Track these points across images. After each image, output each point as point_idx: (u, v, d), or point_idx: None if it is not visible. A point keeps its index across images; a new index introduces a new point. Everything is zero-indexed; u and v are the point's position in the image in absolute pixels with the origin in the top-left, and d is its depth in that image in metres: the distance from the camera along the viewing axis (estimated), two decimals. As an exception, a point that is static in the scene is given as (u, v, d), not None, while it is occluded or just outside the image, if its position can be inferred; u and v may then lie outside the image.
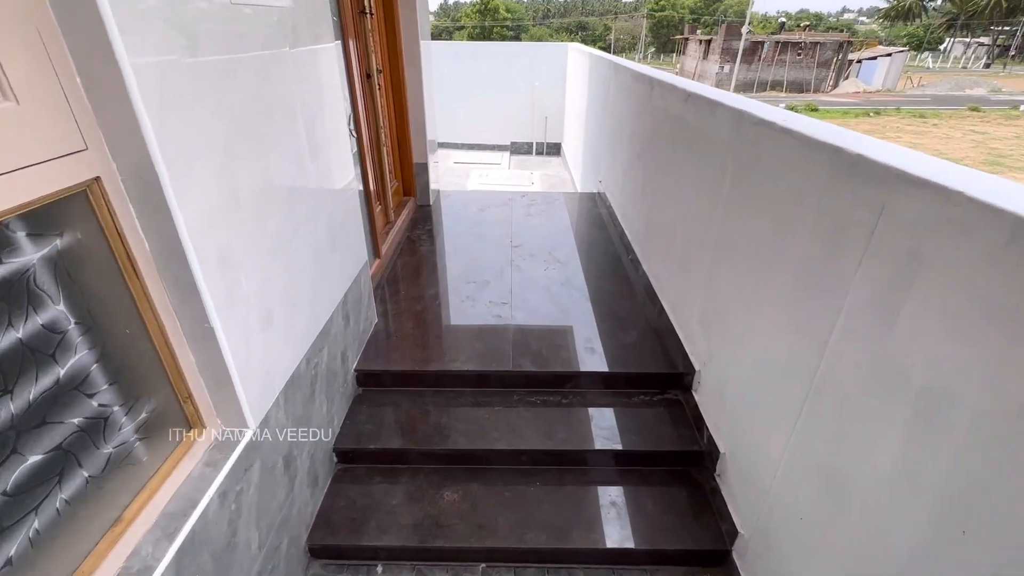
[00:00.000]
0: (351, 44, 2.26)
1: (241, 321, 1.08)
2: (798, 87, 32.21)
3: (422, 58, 3.17)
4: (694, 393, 1.80)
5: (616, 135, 3.28)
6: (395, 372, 1.94)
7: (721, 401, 1.57)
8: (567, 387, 1.94)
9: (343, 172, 1.76)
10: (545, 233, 3.22)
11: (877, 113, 22.10)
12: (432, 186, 3.67)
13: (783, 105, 24.42)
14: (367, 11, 2.52)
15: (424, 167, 3.52)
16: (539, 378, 1.93)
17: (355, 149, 2.25)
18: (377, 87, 2.72)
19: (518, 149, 7.28)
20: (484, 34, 63.51)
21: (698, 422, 1.73)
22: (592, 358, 2.01)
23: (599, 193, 3.91)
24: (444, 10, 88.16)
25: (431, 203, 3.67)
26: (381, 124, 2.80)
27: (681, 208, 1.96)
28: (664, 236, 2.22)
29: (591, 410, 1.85)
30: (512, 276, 2.62)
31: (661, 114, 2.28)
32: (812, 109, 22.73)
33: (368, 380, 1.95)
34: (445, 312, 2.32)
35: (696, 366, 1.79)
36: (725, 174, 1.52)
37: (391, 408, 1.87)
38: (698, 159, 1.78)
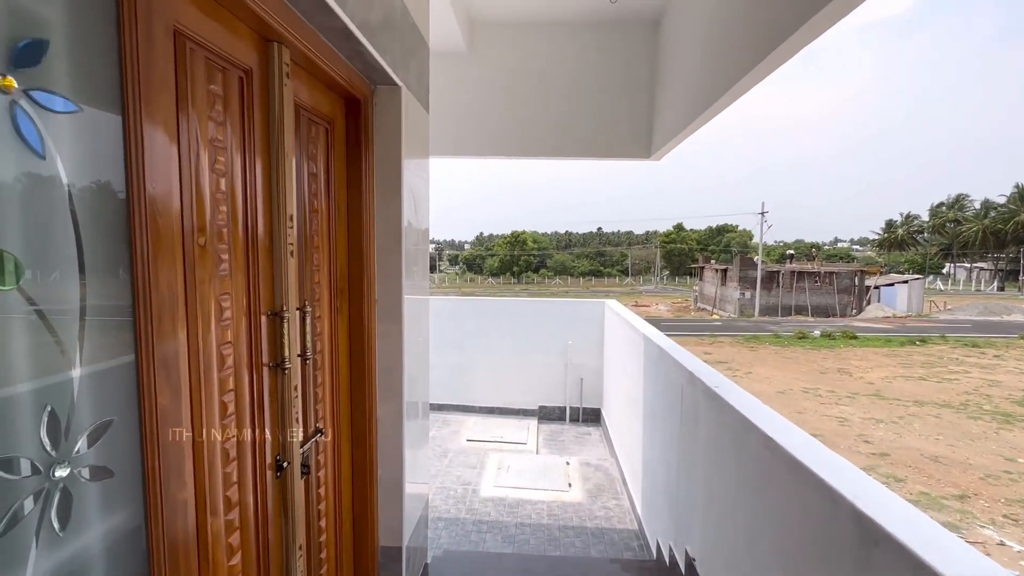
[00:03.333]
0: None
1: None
2: (823, 312, 32.34)
3: (404, 396, 2.01)
4: None
5: (741, 532, 1.85)
6: None
7: None
8: None
9: None
10: None
11: (923, 341, 20.97)
12: (406, 552, 2.16)
13: (817, 332, 23.82)
14: (305, 356, 1.40)
15: (396, 553, 2.06)
16: None
17: None
18: (297, 478, 1.44)
19: (548, 415, 5.95)
20: (513, 260, 70.68)
21: None
22: None
23: (693, 571, 2.30)
24: (479, 240, 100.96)
25: (404, 610, 2.10)
26: (299, 547, 1.45)
27: None
28: None
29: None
30: None
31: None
32: (851, 337, 21.89)
33: None
34: None
35: None
36: None
37: None
38: None
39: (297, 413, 1.42)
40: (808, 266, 36.05)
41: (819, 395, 14.10)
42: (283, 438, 1.39)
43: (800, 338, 22.82)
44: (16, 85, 0.62)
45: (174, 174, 0.95)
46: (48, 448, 0.66)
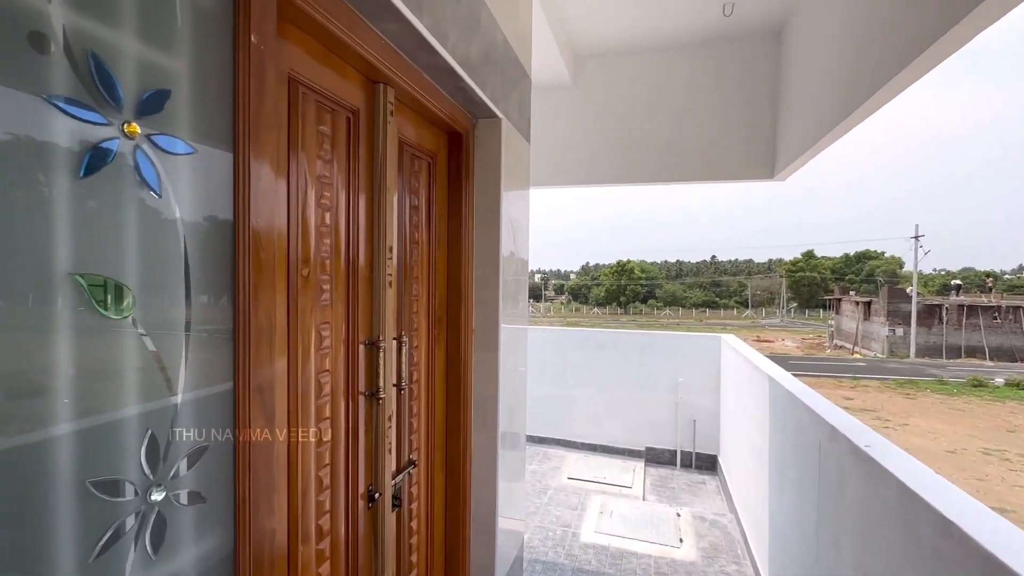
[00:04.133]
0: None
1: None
2: (1006, 355, 26.56)
3: (500, 427, 1.95)
4: None
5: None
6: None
7: None
8: None
9: None
10: None
11: None
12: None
13: (999, 380, 19.54)
14: (401, 385, 1.41)
15: (487, 598, 1.96)
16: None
17: None
18: (388, 510, 1.43)
19: (656, 458, 5.51)
20: (620, 290, 68.99)
21: None
22: None
23: None
24: (585, 270, 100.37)
25: (495, 664, 1.97)
26: (387, 578, 1.42)
27: None
28: None
29: None
30: None
31: None
32: (1051, 388, 17.54)
33: None
34: None
35: None
36: None
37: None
38: None
39: (390, 443, 1.42)
40: (982, 299, 30.09)
41: (1007, 459, 11.41)
42: (376, 468, 1.39)
43: (975, 386, 18.86)
44: (139, 131, 0.67)
45: (280, 209, 1.00)
46: (147, 471, 0.69)
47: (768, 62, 3.66)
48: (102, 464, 0.64)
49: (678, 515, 4.19)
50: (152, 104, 0.69)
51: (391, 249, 1.41)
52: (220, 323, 0.81)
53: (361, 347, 1.33)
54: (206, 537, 0.80)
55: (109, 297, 0.64)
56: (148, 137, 0.69)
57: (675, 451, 5.42)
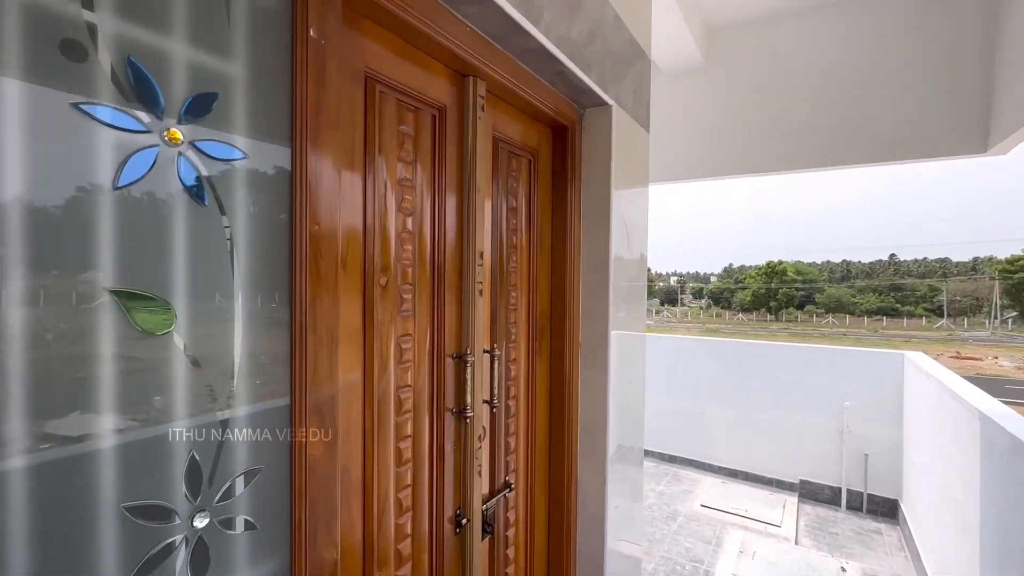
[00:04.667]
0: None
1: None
2: None
3: (609, 449, 1.73)
4: None
5: None
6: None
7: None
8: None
9: None
10: None
11: None
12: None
13: None
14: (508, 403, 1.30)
15: (595, 643, 1.75)
16: None
17: None
18: (477, 536, 1.32)
19: (813, 494, 4.67)
20: (769, 294, 61.93)
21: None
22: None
23: None
24: (727, 272, 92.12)
25: None
26: (476, 612, 1.30)
27: None
28: None
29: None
30: None
31: None
32: None
33: None
34: None
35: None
36: None
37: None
38: None
39: (480, 465, 1.31)
40: None
41: None
42: (464, 491, 1.28)
43: None
44: (182, 137, 0.64)
45: (350, 216, 0.94)
46: (188, 496, 0.65)
47: (978, 4, 2.83)
48: (139, 487, 0.61)
49: (843, 569, 3.46)
50: (197, 108, 0.66)
51: (482, 255, 1.30)
52: (274, 338, 0.76)
53: (448, 360, 1.23)
54: (258, 567, 0.75)
55: (148, 313, 0.61)
56: (192, 143, 0.65)
57: (839, 488, 4.53)
